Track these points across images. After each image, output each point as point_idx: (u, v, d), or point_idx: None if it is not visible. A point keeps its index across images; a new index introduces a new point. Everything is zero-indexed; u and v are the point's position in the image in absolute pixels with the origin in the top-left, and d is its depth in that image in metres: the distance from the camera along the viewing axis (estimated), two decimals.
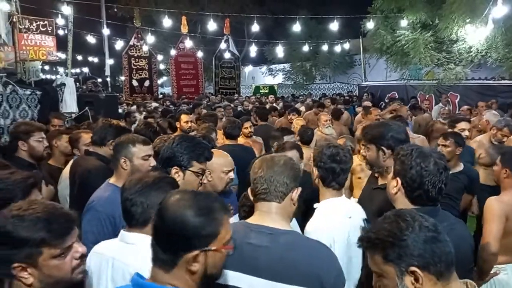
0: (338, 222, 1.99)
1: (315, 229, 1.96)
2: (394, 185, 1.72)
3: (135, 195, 1.60)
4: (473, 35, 9.13)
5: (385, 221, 1.21)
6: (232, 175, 2.44)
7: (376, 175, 2.53)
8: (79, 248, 1.37)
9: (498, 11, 6.66)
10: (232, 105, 9.28)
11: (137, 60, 16.06)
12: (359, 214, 2.11)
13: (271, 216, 1.60)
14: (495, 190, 2.85)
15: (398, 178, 1.70)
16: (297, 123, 5.56)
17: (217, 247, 1.19)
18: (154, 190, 1.61)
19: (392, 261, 1.14)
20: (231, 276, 1.52)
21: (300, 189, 1.67)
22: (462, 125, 3.99)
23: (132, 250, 1.57)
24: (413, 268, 1.11)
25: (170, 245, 1.17)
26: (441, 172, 1.65)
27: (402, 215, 1.20)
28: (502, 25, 8.56)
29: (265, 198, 1.61)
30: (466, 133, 3.91)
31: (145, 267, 1.50)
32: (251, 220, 1.64)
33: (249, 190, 1.72)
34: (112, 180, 2.32)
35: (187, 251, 1.16)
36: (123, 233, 1.64)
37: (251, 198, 1.69)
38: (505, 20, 8.17)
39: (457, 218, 1.91)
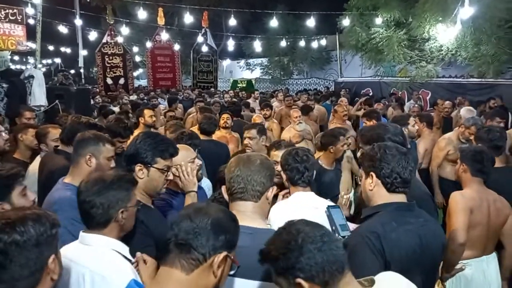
0: (305, 212, 2.02)
1: (280, 217, 1.98)
2: (369, 182, 1.76)
3: (94, 196, 1.55)
4: (444, 34, 9.38)
5: (275, 234, 1.23)
6: (198, 161, 2.42)
7: None
8: None
9: (465, 11, 6.88)
10: (212, 100, 9.10)
11: (111, 57, 15.56)
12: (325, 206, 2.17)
13: (248, 215, 1.59)
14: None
15: (371, 173, 1.75)
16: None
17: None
18: (114, 190, 1.58)
19: (281, 273, 1.17)
20: None
21: (275, 188, 1.68)
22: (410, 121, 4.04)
23: (89, 252, 1.53)
24: (298, 280, 1.13)
25: None
26: (405, 154, 1.74)
27: (288, 228, 1.21)
28: (471, 25, 8.79)
29: (241, 197, 1.60)
30: (417, 126, 3.96)
31: (102, 269, 1.46)
32: None
33: (223, 189, 1.69)
34: (68, 179, 2.20)
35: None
36: (82, 234, 1.60)
37: (226, 197, 1.66)
38: (474, 20, 8.41)
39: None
